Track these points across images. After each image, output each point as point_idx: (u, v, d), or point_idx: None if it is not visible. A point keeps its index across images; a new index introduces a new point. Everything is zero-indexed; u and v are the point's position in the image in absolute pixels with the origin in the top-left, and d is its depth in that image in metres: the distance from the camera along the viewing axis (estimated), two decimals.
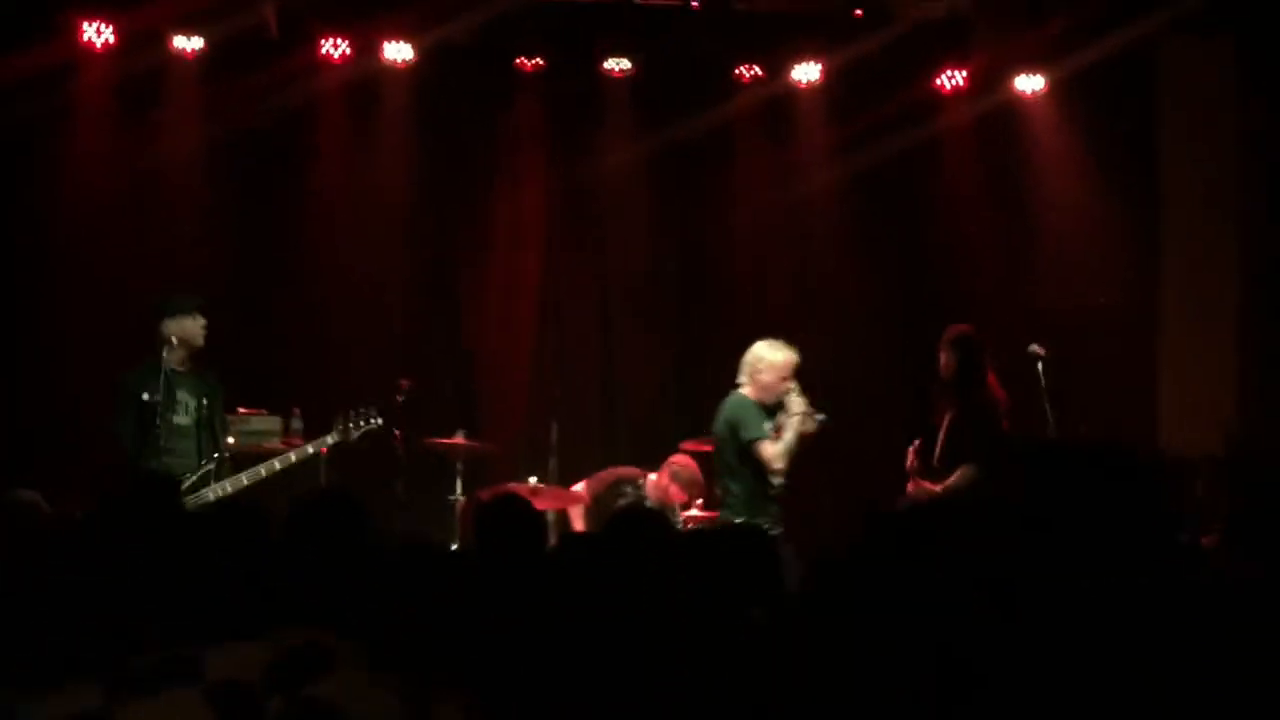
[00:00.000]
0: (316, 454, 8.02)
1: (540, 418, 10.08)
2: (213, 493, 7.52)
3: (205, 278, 9.72)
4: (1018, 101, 10.40)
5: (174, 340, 7.69)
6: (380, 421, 8.00)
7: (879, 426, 10.18)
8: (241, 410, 8.70)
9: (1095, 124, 10.37)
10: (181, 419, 7.66)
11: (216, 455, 7.70)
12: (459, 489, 8.47)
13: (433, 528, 9.01)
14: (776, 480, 7.76)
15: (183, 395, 7.68)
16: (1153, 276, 10.45)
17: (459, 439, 8.57)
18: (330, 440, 7.90)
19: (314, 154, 10.18)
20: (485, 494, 8.29)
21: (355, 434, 7.93)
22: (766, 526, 7.35)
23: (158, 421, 7.51)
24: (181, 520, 4.33)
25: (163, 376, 7.60)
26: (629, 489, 8.63)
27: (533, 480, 8.58)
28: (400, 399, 8.23)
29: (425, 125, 10.23)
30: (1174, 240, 10.45)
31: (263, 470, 7.66)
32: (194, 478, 7.53)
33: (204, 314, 7.79)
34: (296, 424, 8.43)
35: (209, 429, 7.73)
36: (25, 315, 9.60)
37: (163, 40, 9.67)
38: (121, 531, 4.07)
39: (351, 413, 7.93)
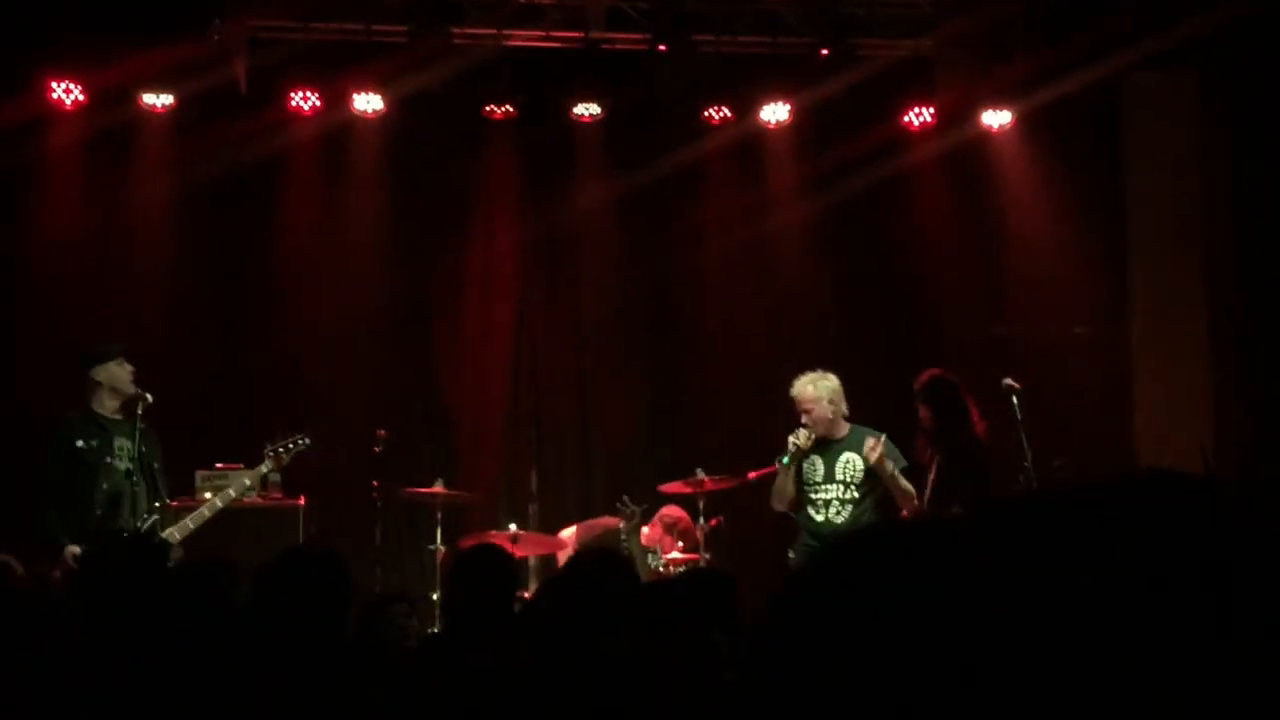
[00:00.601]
0: (294, 507, 8.01)
1: (518, 464, 10.12)
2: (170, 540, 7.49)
3: (176, 330, 9.76)
4: (985, 136, 10.49)
5: (104, 388, 7.64)
6: (308, 441, 7.96)
7: None
8: (219, 465, 8.67)
9: (1062, 157, 10.47)
10: (121, 465, 7.59)
11: (159, 504, 7.65)
12: (439, 538, 8.44)
13: (413, 577, 9.02)
14: (778, 508, 8.04)
15: (120, 442, 7.60)
16: (1123, 306, 10.54)
17: (438, 488, 8.55)
18: (265, 469, 7.89)
19: (285, 205, 10.20)
20: (465, 543, 8.29)
21: (287, 458, 7.92)
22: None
23: (97, 470, 7.45)
24: (164, 582, 4.32)
25: (96, 425, 7.58)
26: (621, 538, 8.61)
27: (513, 527, 8.57)
28: (377, 449, 8.22)
29: (396, 175, 10.27)
30: (1143, 269, 10.55)
31: (206, 511, 7.61)
32: (144, 527, 7.48)
33: (129, 359, 7.72)
34: (274, 477, 8.40)
35: (148, 477, 7.65)
36: None
37: (132, 97, 9.68)
38: (106, 595, 4.05)
39: (278, 439, 7.92)
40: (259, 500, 8.26)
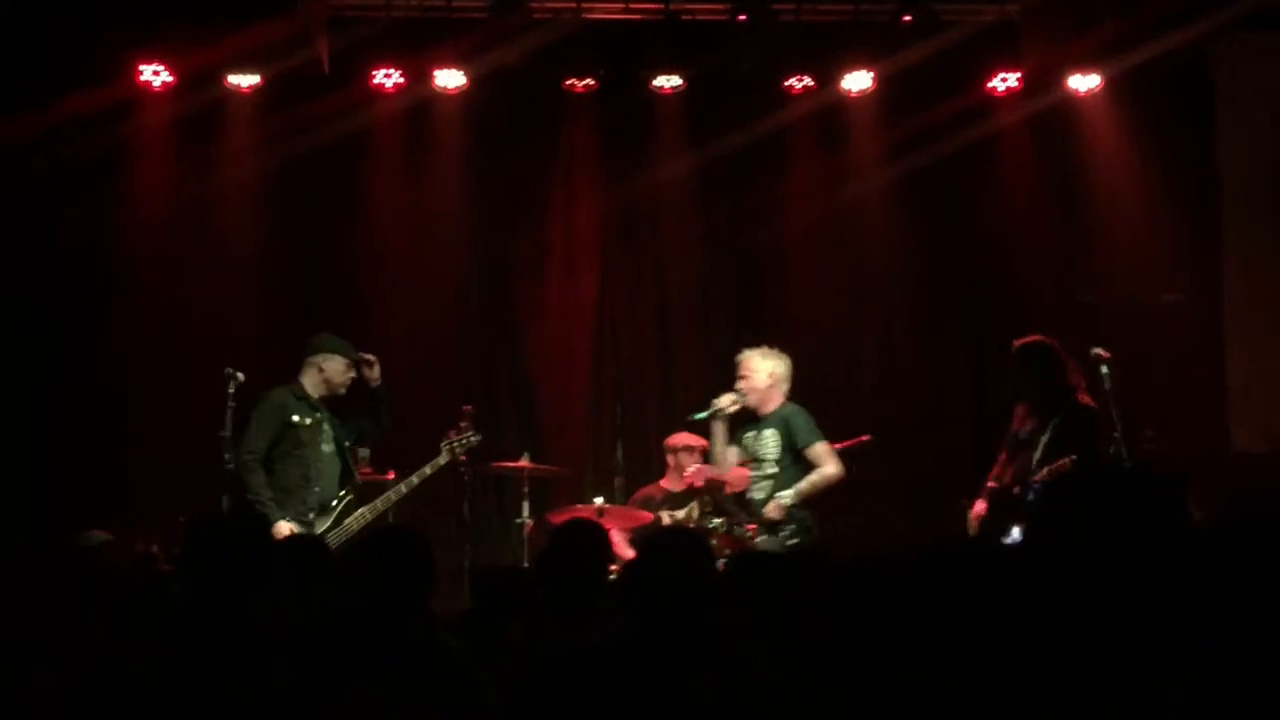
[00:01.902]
0: (384, 482, 8.11)
1: (603, 438, 10.16)
2: (356, 522, 7.72)
3: (265, 307, 9.93)
4: (1072, 101, 10.31)
5: (322, 376, 7.85)
6: (479, 438, 8.15)
7: (936, 431, 10.19)
8: None
9: (1151, 120, 10.28)
10: (327, 447, 7.80)
11: (352, 483, 7.89)
12: (525, 512, 8.50)
13: (501, 552, 9.09)
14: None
15: (327, 426, 7.82)
16: (1215, 272, 10.36)
17: (524, 462, 8.60)
18: (442, 461, 8.02)
19: (369, 182, 10.31)
20: (554, 516, 8.35)
21: (461, 451, 8.09)
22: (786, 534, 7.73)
23: (306, 448, 7.65)
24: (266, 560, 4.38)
25: (308, 403, 7.76)
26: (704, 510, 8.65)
27: (599, 501, 8.61)
28: (464, 425, 8.27)
29: (478, 150, 10.32)
30: (1235, 234, 10.37)
31: (392, 496, 7.85)
32: (339, 507, 7.73)
33: (353, 366, 7.94)
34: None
35: (344, 460, 7.88)
36: (87, 348, 9.76)
37: (218, 79, 9.82)
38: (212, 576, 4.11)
39: (454, 433, 8.08)
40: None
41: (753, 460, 8.04)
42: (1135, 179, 10.33)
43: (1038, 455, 7.71)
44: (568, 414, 10.26)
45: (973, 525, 7.89)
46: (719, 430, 8.05)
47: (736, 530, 8.36)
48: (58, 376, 9.59)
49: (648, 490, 9.11)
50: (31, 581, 4.19)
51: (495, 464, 8.75)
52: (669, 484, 9.02)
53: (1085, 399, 7.78)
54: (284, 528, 7.33)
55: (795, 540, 7.76)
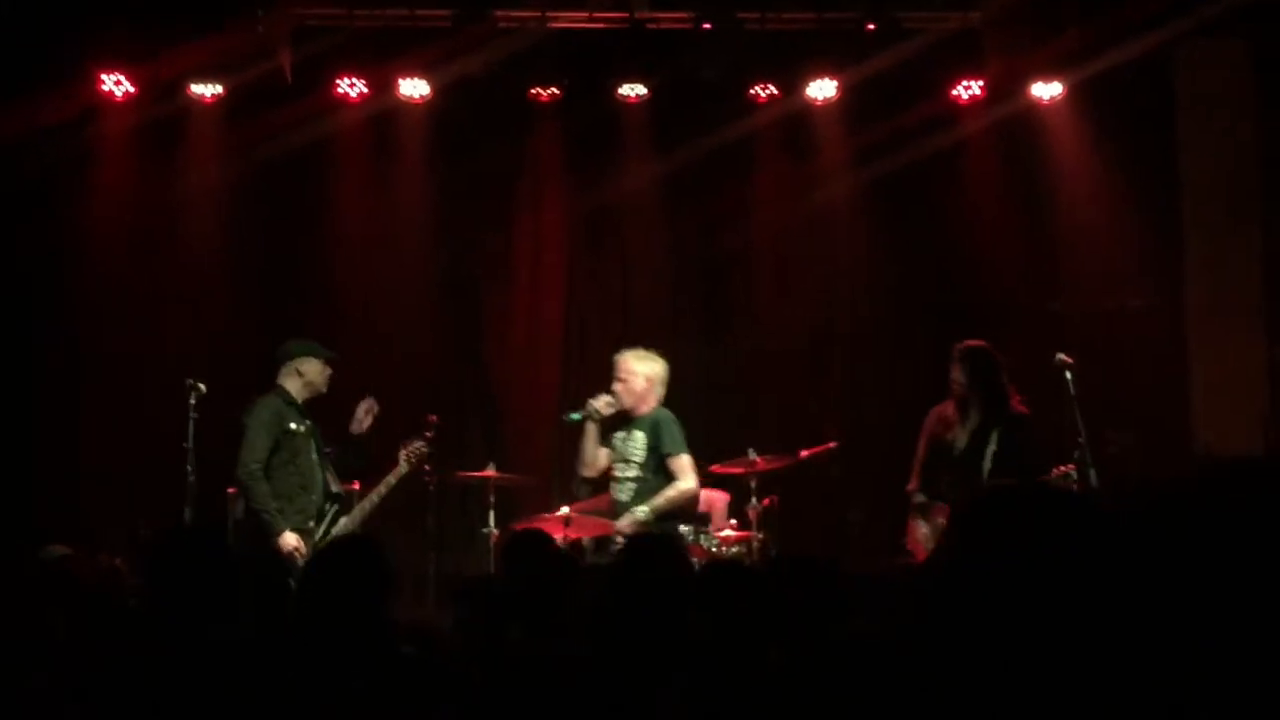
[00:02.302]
0: (348, 493, 8.07)
1: (570, 446, 10.11)
2: (341, 531, 7.68)
3: (228, 314, 9.87)
4: (1035, 108, 10.36)
5: (303, 380, 7.81)
6: (428, 448, 8.13)
7: (906, 437, 10.18)
8: None
9: (1114, 127, 10.33)
10: (314, 455, 7.79)
11: (335, 490, 7.85)
12: (492, 522, 8.47)
13: (467, 560, 9.06)
14: (585, 473, 8.23)
15: (314, 434, 7.81)
16: (1178, 277, 10.41)
17: (490, 471, 8.57)
18: (403, 470, 7.98)
19: (333, 191, 10.30)
20: (520, 526, 8.31)
21: (414, 460, 8.05)
22: None
23: (300, 455, 7.62)
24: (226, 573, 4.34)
25: (297, 409, 7.71)
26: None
27: (565, 509, 8.57)
28: (428, 435, 8.25)
29: (443, 159, 10.31)
30: (1197, 239, 10.42)
31: (367, 505, 7.82)
32: (328, 515, 7.72)
33: (332, 365, 7.93)
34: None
35: (325, 469, 7.85)
36: (44, 357, 9.70)
37: (181, 88, 9.79)
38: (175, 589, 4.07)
39: (406, 443, 8.05)
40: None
41: (621, 461, 8.02)
42: (1098, 185, 10.38)
43: (987, 465, 7.74)
44: (534, 423, 10.24)
45: (925, 541, 7.84)
46: (592, 431, 8.05)
47: (704, 539, 8.36)
48: (14, 385, 9.51)
49: (599, 500, 9.10)
50: None
51: (461, 473, 8.71)
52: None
53: (1020, 407, 7.84)
54: (290, 539, 7.33)
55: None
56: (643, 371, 8.10)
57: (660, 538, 5.07)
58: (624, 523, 7.79)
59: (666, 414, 8.11)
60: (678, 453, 7.99)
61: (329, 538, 7.58)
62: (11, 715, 3.66)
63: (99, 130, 9.86)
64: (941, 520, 7.76)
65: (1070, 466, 7.63)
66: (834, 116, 10.41)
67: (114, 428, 9.50)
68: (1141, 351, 10.17)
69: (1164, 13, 9.73)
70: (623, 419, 8.07)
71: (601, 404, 8.03)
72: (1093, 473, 7.59)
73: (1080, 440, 7.69)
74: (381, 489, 7.87)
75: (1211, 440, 9.93)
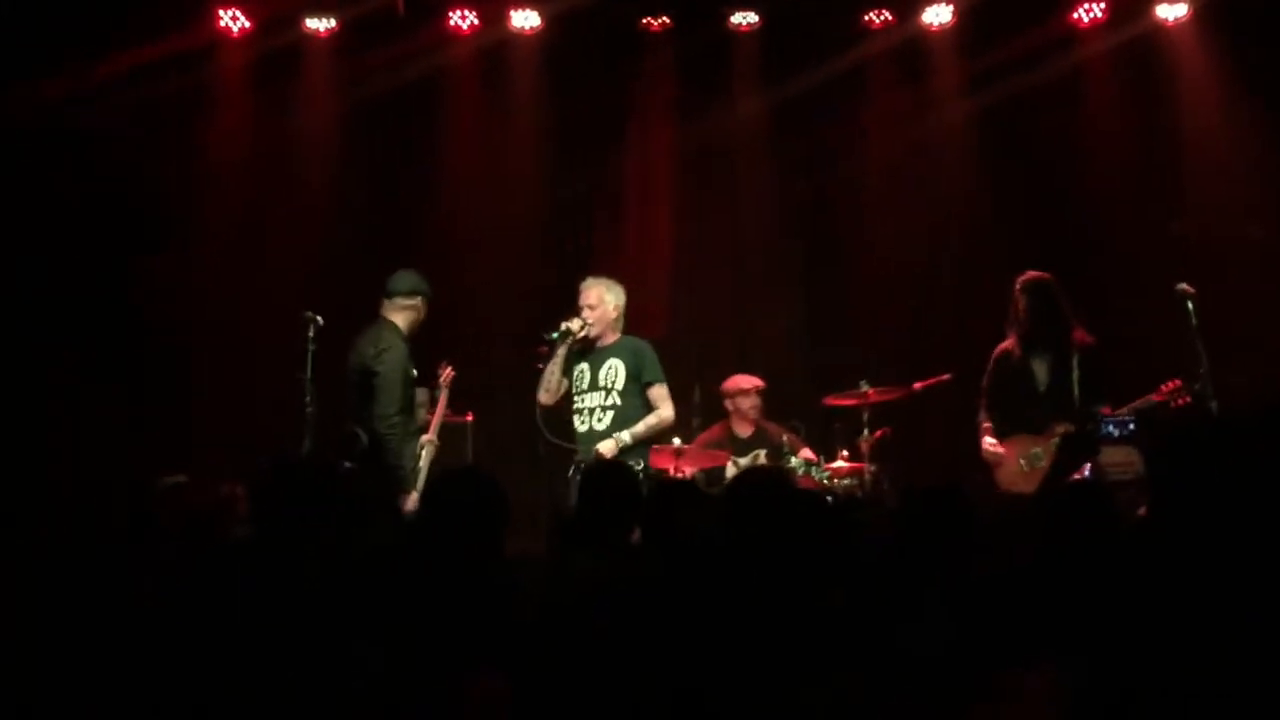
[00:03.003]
0: (463, 424, 8.17)
1: (680, 379, 10.12)
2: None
3: (343, 248, 9.98)
4: (1159, 30, 10.09)
5: (418, 318, 7.84)
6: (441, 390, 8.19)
7: None
8: None
9: (1241, 50, 10.01)
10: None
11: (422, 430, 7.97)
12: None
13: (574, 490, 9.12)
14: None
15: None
16: None
17: None
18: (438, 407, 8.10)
19: (446, 124, 10.35)
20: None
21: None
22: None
23: (412, 402, 7.71)
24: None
25: (409, 350, 7.71)
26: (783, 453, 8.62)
27: (676, 441, 8.60)
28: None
29: (555, 91, 10.31)
30: None
31: (430, 449, 7.92)
32: (422, 449, 7.85)
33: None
34: (437, 393, 8.57)
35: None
36: (161, 286, 9.87)
37: (295, 22, 9.88)
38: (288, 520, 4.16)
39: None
40: (428, 418, 8.46)
41: (590, 390, 7.84)
42: (1225, 111, 10.07)
43: (1077, 393, 7.69)
44: None
45: (1017, 468, 7.81)
46: (562, 355, 7.83)
47: (815, 471, 8.35)
48: (131, 318, 9.71)
49: (711, 433, 9.10)
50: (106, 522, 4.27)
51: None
52: (735, 427, 9.01)
53: (1087, 337, 7.77)
54: (414, 498, 7.35)
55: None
56: (611, 300, 7.97)
57: (772, 470, 5.07)
58: (606, 446, 7.64)
59: (643, 342, 8.00)
60: (659, 381, 7.90)
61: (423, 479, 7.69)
62: (108, 640, 3.75)
63: (216, 65, 10.00)
64: (1037, 449, 7.69)
65: (1175, 383, 7.58)
66: (950, 43, 10.24)
67: (232, 359, 9.67)
68: (1265, 282, 9.89)
69: None
70: (588, 347, 7.92)
71: (576, 326, 7.85)
72: (1214, 403, 7.46)
73: (1201, 370, 7.55)
74: (434, 438, 7.98)
75: None
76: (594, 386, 7.89)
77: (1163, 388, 7.66)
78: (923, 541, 4.00)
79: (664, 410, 7.90)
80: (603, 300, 7.96)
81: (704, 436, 9.11)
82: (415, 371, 7.75)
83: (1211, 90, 10.09)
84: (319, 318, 7.80)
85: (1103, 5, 10.04)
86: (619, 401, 7.84)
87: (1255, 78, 10.04)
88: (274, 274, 9.78)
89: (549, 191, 10.35)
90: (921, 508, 4.24)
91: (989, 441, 7.90)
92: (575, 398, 7.92)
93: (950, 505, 4.21)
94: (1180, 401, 7.59)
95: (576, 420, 7.90)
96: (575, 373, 7.92)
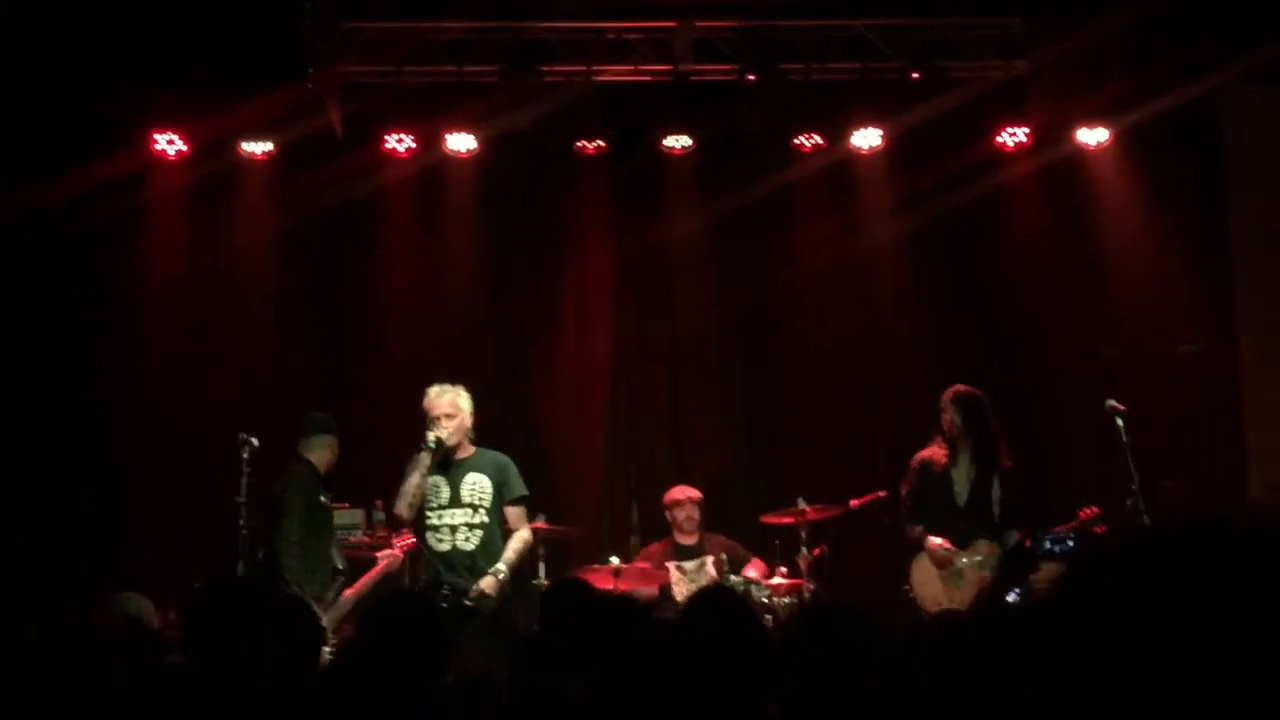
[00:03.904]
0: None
1: (618, 497, 10.13)
2: (344, 605, 7.68)
3: (280, 370, 9.92)
4: (1081, 155, 10.35)
5: (331, 455, 7.87)
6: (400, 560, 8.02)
7: None
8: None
9: (1161, 174, 10.31)
10: (331, 528, 7.91)
11: (341, 568, 7.88)
12: (542, 573, 8.45)
13: (519, 612, 9.03)
14: (405, 513, 7.64)
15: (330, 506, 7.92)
16: (1230, 322, 10.32)
17: (540, 524, 8.56)
18: (376, 579, 7.90)
19: (383, 245, 10.37)
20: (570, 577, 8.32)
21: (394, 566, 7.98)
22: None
23: (324, 528, 7.70)
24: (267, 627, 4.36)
25: (324, 482, 7.76)
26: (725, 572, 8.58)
27: (615, 560, 8.57)
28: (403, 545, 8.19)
29: (491, 213, 10.39)
30: (1248, 284, 10.34)
31: (348, 604, 7.74)
32: (335, 589, 7.73)
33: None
34: (378, 515, 8.50)
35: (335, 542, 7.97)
36: (99, 407, 9.78)
37: (232, 146, 9.92)
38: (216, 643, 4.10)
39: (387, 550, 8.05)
40: (365, 539, 8.39)
41: (452, 506, 7.64)
42: (1146, 231, 10.35)
43: (997, 512, 7.81)
44: (582, 473, 10.25)
45: (930, 585, 7.89)
46: (427, 465, 7.60)
47: (755, 590, 8.34)
48: (67, 437, 9.61)
49: (655, 547, 9.08)
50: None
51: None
52: (679, 539, 8.99)
53: (1008, 460, 8.02)
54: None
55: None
56: (467, 407, 7.80)
57: (725, 590, 5.08)
58: (488, 584, 7.47)
59: (504, 456, 7.88)
60: (523, 497, 7.79)
61: (335, 607, 7.58)
62: None
63: (152, 189, 9.99)
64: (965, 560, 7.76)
65: (1093, 510, 7.69)
66: (879, 165, 10.43)
67: (166, 482, 9.55)
68: (1194, 397, 10.09)
69: (1210, 59, 9.71)
70: (445, 459, 7.71)
71: (445, 434, 7.65)
72: (1147, 520, 7.55)
73: (1133, 487, 7.65)
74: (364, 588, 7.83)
75: (1265, 488, 9.85)
76: (455, 503, 7.66)
77: (1081, 514, 7.75)
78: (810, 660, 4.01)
79: (524, 531, 7.78)
80: (459, 408, 7.77)
81: (650, 549, 9.07)
82: (327, 500, 7.70)
83: (1133, 211, 10.36)
84: (254, 439, 7.77)
85: (1026, 131, 10.28)
86: (487, 520, 7.67)
87: (1175, 198, 10.32)
88: (212, 396, 9.70)
89: (487, 311, 10.38)
90: (805, 628, 4.26)
91: (935, 540, 7.94)
92: (429, 514, 7.66)
93: (838, 624, 4.23)
94: (1099, 529, 7.67)
95: (432, 538, 7.64)
96: (430, 485, 7.65)
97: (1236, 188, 10.37)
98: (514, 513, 7.80)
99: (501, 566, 7.57)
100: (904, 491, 8.16)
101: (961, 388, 8.15)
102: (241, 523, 7.56)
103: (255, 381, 9.84)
